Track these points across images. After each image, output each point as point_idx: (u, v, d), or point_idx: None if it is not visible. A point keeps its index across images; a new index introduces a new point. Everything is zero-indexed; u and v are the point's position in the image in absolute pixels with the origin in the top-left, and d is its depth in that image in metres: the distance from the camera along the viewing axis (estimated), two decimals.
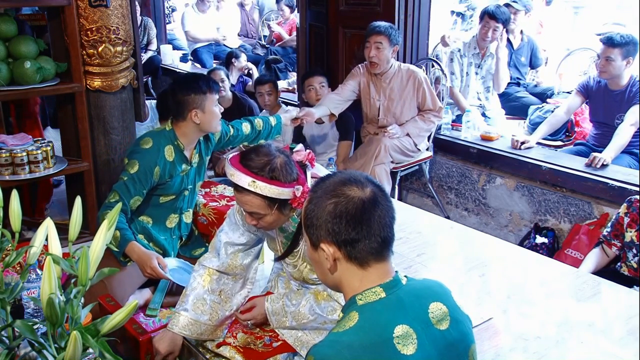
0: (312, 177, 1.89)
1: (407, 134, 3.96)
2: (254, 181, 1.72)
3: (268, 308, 1.98)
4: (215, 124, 2.58)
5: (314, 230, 1.29)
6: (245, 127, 2.90)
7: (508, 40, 4.96)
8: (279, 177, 1.74)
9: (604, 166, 3.58)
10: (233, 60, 5.90)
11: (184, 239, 2.77)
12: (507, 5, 4.94)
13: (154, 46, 7.05)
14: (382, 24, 3.81)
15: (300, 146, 1.90)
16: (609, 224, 3.03)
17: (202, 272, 2.07)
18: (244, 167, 1.75)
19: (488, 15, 4.35)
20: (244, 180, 1.73)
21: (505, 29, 4.44)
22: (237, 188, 1.77)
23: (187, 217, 2.75)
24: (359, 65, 4.01)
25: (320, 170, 2.00)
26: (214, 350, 2.01)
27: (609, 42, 3.69)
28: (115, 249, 2.37)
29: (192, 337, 2.01)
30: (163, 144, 2.52)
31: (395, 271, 1.32)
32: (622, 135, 3.63)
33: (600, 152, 3.67)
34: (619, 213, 2.97)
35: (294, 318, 1.94)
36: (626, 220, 2.91)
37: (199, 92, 2.49)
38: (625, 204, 2.95)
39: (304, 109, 3.60)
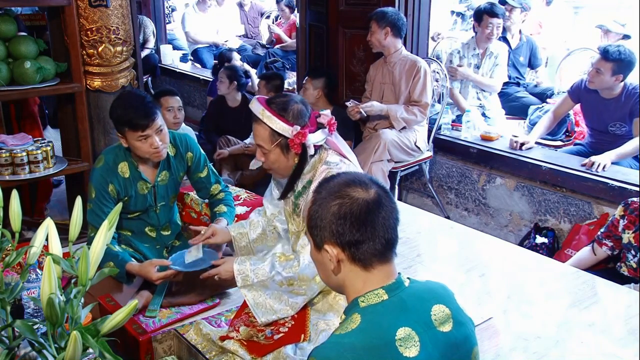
0: (331, 148, 2.04)
1: (391, 122, 3.96)
2: (264, 110, 1.94)
3: (235, 267, 2.05)
4: (145, 154, 2.38)
5: (317, 231, 1.29)
6: (215, 188, 2.69)
7: (506, 39, 4.97)
8: (287, 116, 1.93)
9: (602, 169, 3.57)
10: (225, 64, 5.88)
11: (169, 249, 2.68)
12: (503, 2, 4.94)
13: (150, 44, 7.02)
14: (379, 9, 3.97)
15: (327, 111, 2.05)
16: (605, 225, 3.03)
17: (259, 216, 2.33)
18: (265, 101, 1.98)
19: (487, 14, 4.35)
20: (257, 108, 1.95)
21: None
22: (253, 117, 1.99)
23: (165, 230, 2.65)
24: None
25: (340, 141, 2.11)
26: (219, 344, 2.02)
27: (603, 54, 3.61)
28: (117, 279, 2.36)
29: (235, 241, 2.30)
30: (118, 160, 2.44)
31: (398, 273, 1.31)
32: (629, 147, 3.59)
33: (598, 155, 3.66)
34: (614, 215, 2.97)
35: (256, 275, 2.02)
36: (622, 222, 2.90)
37: (118, 123, 2.36)
38: (621, 207, 2.94)
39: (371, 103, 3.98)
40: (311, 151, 1.99)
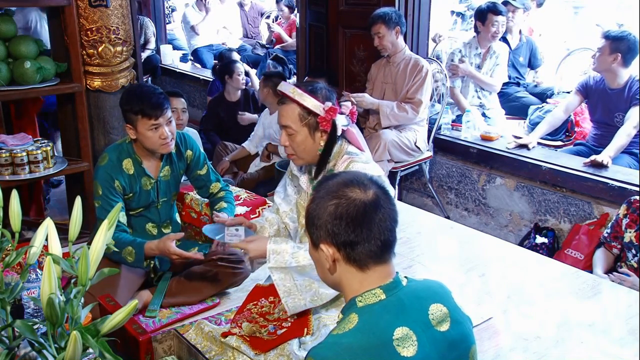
0: (350, 140, 2.05)
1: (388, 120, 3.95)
2: (295, 89, 1.99)
3: (269, 247, 1.97)
4: (154, 145, 2.42)
5: (314, 230, 1.29)
6: (215, 186, 2.71)
7: (506, 39, 4.97)
8: (317, 95, 1.99)
9: (604, 166, 3.58)
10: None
11: None
12: (505, 3, 4.94)
13: (151, 45, 7.04)
14: (377, 12, 3.94)
15: (348, 103, 2.12)
16: (609, 226, 3.02)
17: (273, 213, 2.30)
18: (295, 84, 2.05)
19: (492, 13, 4.34)
20: (287, 88, 2.01)
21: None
22: (281, 100, 2.03)
23: (166, 228, 2.65)
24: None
25: (358, 133, 2.11)
26: (221, 340, 2.02)
27: (604, 33, 3.73)
28: (136, 264, 2.38)
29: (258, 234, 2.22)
30: (122, 157, 2.46)
31: (396, 272, 1.31)
32: (623, 136, 3.62)
33: (600, 152, 3.66)
34: (618, 214, 2.97)
35: (296, 259, 1.94)
36: (625, 221, 2.91)
37: (131, 112, 2.39)
38: (624, 205, 2.95)
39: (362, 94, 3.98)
40: (339, 131, 2.01)
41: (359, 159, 1.99)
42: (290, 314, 1.99)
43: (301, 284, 1.96)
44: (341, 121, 2.01)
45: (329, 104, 1.97)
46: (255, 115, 4.87)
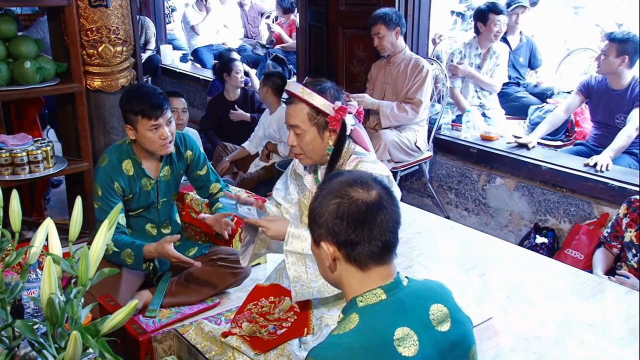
0: (356, 140, 2.05)
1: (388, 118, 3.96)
2: (304, 88, 1.98)
3: (290, 230, 1.94)
4: (153, 146, 2.43)
5: (316, 227, 1.30)
6: (215, 186, 2.72)
7: (506, 40, 4.97)
8: (326, 94, 1.99)
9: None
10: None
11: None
12: (515, 5, 4.92)
13: (152, 45, 7.04)
14: (378, 12, 3.93)
15: (355, 102, 2.07)
16: (609, 225, 3.02)
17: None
18: (301, 83, 2.04)
19: (493, 12, 4.34)
20: (296, 87, 2.00)
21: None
22: (289, 99, 2.02)
23: (166, 228, 2.66)
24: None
25: (364, 133, 2.15)
26: (221, 340, 2.02)
27: (608, 36, 3.73)
28: (135, 266, 2.38)
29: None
30: (122, 158, 2.47)
31: (397, 272, 1.31)
32: (624, 137, 3.61)
33: (600, 152, 3.66)
34: (618, 214, 2.97)
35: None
36: (625, 220, 2.91)
37: (130, 113, 2.39)
38: (624, 205, 2.95)
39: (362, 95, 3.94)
40: (348, 130, 2.01)
41: (367, 159, 2.00)
42: (295, 300, 1.97)
43: (312, 272, 1.93)
44: (350, 121, 2.01)
45: (338, 104, 1.98)
46: (247, 114, 4.87)
